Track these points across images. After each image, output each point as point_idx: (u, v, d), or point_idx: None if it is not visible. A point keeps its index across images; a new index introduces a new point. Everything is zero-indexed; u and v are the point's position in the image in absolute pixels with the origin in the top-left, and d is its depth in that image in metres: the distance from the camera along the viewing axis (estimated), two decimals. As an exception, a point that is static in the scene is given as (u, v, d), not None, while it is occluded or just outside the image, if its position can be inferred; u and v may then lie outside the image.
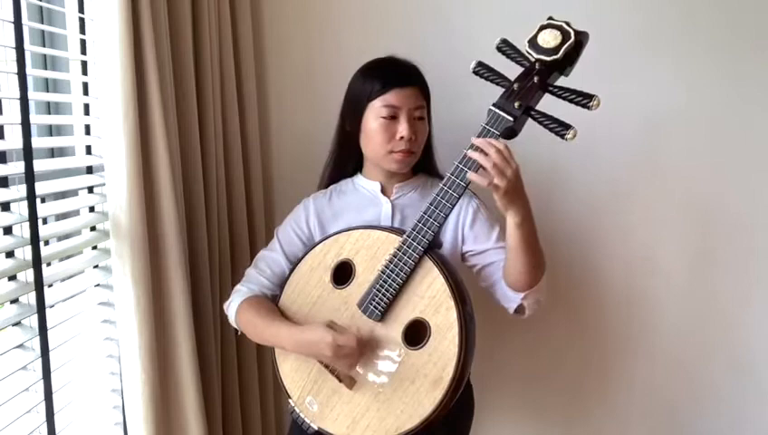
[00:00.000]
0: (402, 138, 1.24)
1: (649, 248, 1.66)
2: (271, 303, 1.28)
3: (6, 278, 1.06)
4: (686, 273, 1.66)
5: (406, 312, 1.14)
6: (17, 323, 1.09)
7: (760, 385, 1.68)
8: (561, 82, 1.09)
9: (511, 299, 1.21)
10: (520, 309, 1.23)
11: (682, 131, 1.59)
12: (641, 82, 1.57)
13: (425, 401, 1.11)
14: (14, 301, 1.09)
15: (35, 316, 1.09)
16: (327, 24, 1.68)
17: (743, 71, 1.54)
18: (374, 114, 1.25)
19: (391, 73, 1.26)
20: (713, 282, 1.65)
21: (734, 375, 1.68)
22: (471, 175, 1.06)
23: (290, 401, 1.25)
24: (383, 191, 1.33)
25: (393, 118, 1.24)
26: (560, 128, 1.05)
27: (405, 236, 1.14)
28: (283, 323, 1.22)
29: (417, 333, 1.13)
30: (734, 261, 1.63)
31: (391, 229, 1.21)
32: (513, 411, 1.84)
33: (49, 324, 1.12)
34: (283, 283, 1.28)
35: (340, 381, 1.18)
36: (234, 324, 1.30)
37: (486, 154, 1.04)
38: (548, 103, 1.08)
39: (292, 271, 1.27)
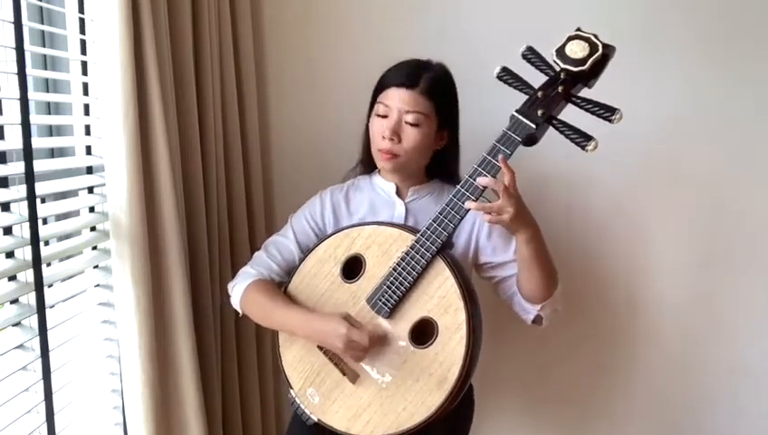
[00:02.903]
0: (384, 137, 1.23)
1: (650, 251, 1.65)
2: (279, 289, 1.28)
3: (6, 278, 1.06)
4: (688, 276, 1.65)
5: (414, 310, 1.15)
6: (17, 324, 1.09)
7: (762, 390, 1.68)
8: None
9: (528, 311, 1.24)
10: (537, 319, 1.24)
11: (692, 136, 1.58)
12: (650, 85, 1.57)
13: (428, 400, 1.11)
14: (14, 301, 1.09)
15: (35, 316, 1.09)
16: (327, 25, 1.68)
17: (753, 73, 1.54)
18: (375, 111, 1.27)
19: (396, 73, 1.24)
20: (715, 285, 1.65)
21: (735, 380, 1.68)
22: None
23: (291, 391, 1.25)
24: (398, 193, 1.33)
25: (386, 117, 1.24)
26: (581, 139, 1.05)
27: (419, 235, 1.14)
28: (296, 308, 1.22)
29: (424, 332, 1.14)
30: (738, 264, 1.62)
31: (404, 227, 1.21)
32: (514, 413, 1.84)
33: (49, 325, 1.12)
34: (291, 270, 1.28)
35: (344, 374, 1.18)
36: (236, 305, 1.29)
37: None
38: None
39: (302, 261, 1.27)
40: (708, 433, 1.72)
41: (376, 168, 1.35)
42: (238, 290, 1.28)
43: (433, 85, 1.23)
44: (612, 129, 1.53)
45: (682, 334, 1.68)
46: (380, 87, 1.26)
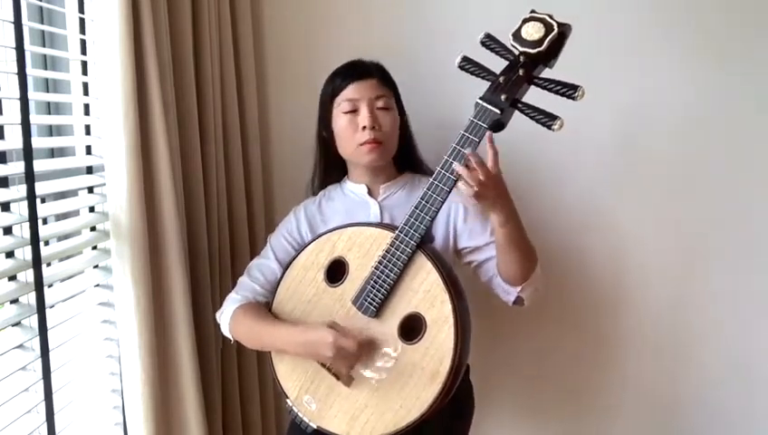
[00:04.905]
0: (364, 127, 1.25)
1: (643, 246, 1.65)
2: (266, 309, 1.28)
3: (6, 278, 1.06)
4: (679, 271, 1.65)
5: (401, 307, 1.15)
6: (17, 324, 1.09)
7: (753, 384, 1.67)
8: (547, 73, 1.10)
9: (509, 292, 1.24)
10: (518, 301, 1.25)
11: (682, 132, 1.58)
12: (633, 79, 1.56)
13: (423, 394, 1.12)
14: (14, 301, 1.09)
15: (35, 316, 1.09)
16: (327, 25, 1.68)
17: (736, 67, 1.53)
18: (339, 111, 1.29)
19: (349, 70, 1.31)
20: (706, 280, 1.64)
21: (727, 374, 1.68)
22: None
23: (287, 400, 1.25)
24: (370, 193, 1.34)
25: (355, 111, 1.27)
26: (546, 119, 1.06)
27: (397, 231, 1.14)
28: (282, 325, 1.22)
29: (412, 328, 1.14)
30: (728, 258, 1.62)
31: (383, 225, 1.22)
32: (512, 410, 1.84)
33: (49, 325, 1.12)
34: (275, 289, 1.29)
35: (338, 379, 1.18)
36: (227, 333, 1.29)
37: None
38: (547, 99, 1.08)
39: (284, 271, 1.28)
40: (702, 427, 1.72)
41: (338, 178, 1.38)
42: (225, 317, 1.28)
43: (383, 73, 1.33)
44: (601, 125, 1.55)
45: (675, 329, 1.68)
46: (334, 92, 1.30)
